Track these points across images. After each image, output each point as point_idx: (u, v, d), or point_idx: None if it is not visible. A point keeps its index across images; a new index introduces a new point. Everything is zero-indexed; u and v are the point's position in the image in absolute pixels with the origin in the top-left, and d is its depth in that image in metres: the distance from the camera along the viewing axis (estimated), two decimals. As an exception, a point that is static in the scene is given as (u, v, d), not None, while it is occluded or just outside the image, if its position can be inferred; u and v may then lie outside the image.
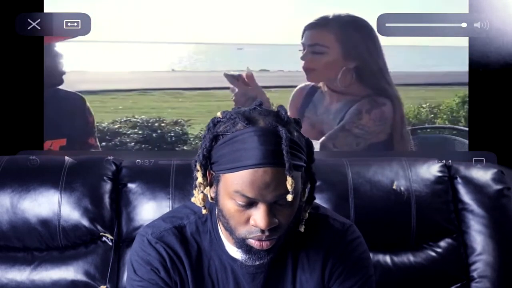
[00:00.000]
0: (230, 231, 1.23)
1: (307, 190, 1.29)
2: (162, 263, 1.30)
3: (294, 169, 1.16)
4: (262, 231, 1.19)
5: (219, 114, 1.24)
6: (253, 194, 1.16)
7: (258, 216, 1.17)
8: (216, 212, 1.29)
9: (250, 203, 1.18)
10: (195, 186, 1.27)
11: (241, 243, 1.23)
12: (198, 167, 1.24)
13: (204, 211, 1.29)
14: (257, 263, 1.26)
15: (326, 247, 1.33)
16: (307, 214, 1.31)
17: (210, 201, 1.27)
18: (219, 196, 1.23)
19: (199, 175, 1.25)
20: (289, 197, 1.16)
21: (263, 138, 1.16)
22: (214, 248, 1.31)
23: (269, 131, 1.17)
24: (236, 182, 1.17)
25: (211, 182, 1.26)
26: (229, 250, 1.31)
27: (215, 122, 1.24)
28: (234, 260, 1.30)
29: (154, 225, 1.35)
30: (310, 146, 1.27)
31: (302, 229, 1.30)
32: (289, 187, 1.15)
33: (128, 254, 1.80)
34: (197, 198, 1.27)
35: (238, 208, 1.19)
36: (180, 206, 1.44)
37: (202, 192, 1.26)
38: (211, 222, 1.32)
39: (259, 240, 1.20)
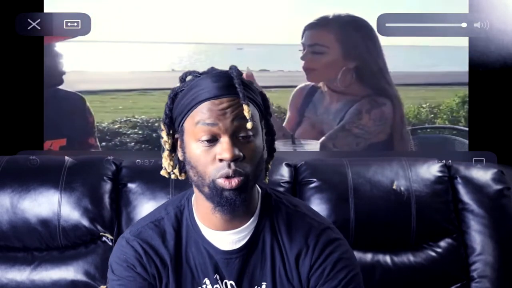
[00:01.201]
0: (201, 179, 1.25)
1: (265, 140, 1.33)
2: (138, 259, 1.32)
3: (249, 100, 1.24)
4: (229, 165, 1.22)
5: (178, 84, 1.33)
6: (212, 120, 1.22)
7: (222, 148, 1.22)
8: (188, 171, 1.30)
9: (213, 138, 1.23)
10: (163, 150, 1.33)
11: (212, 188, 1.25)
12: (162, 126, 1.31)
13: (173, 176, 1.34)
14: (232, 208, 1.26)
15: (303, 243, 1.32)
16: (270, 166, 1.37)
17: (180, 158, 1.31)
18: (185, 148, 1.27)
19: (163, 134, 1.31)
20: (249, 125, 1.22)
21: (216, 78, 1.25)
22: (191, 235, 1.33)
23: (221, 73, 1.28)
24: (196, 116, 1.24)
25: (176, 143, 1.31)
26: (205, 234, 1.32)
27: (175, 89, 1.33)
28: (211, 245, 1.32)
29: (133, 225, 1.39)
30: (265, 98, 1.33)
31: (267, 181, 1.37)
32: (246, 114, 1.22)
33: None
34: (165, 163, 1.33)
35: (203, 148, 1.24)
36: (159, 206, 1.45)
37: (168, 150, 1.31)
38: (188, 210, 1.35)
39: (227, 177, 1.23)
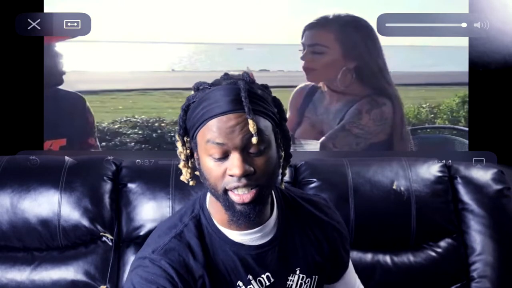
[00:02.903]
0: (214, 191, 1.26)
1: (282, 147, 1.33)
2: (169, 279, 1.26)
3: (256, 113, 1.23)
4: (239, 180, 1.23)
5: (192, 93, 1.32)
6: (221, 139, 1.22)
7: (232, 164, 1.22)
8: (203, 181, 1.29)
9: (224, 155, 1.23)
10: (181, 161, 1.33)
11: (225, 200, 1.25)
12: (177, 137, 1.31)
13: (191, 183, 1.33)
14: (247, 221, 1.27)
15: (321, 220, 1.40)
16: (286, 172, 1.37)
17: (197, 167, 1.31)
18: (200, 160, 1.28)
19: (179, 145, 1.32)
20: (254, 140, 1.21)
21: (224, 92, 1.24)
22: (215, 242, 1.31)
23: (230, 86, 1.26)
24: (206, 133, 1.24)
25: (191, 152, 1.31)
26: (231, 237, 1.31)
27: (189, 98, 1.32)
28: (240, 245, 1.31)
29: (151, 244, 1.32)
30: (278, 103, 1.33)
31: (283, 186, 1.39)
32: (251, 129, 1.21)
33: (127, 254, 1.81)
34: (184, 173, 1.33)
35: (214, 163, 1.24)
36: (165, 219, 1.43)
37: (184, 161, 1.32)
38: (205, 217, 1.33)
39: (239, 193, 1.23)
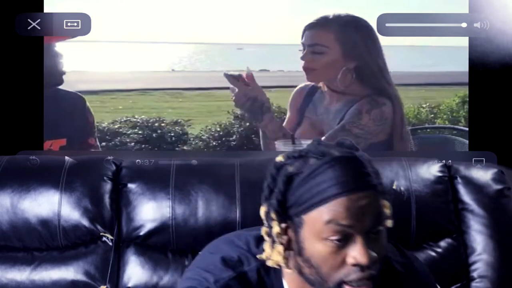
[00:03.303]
0: (321, 281, 1.09)
1: None
2: None
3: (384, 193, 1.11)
4: (362, 269, 1.06)
5: (280, 158, 1.15)
6: (349, 222, 1.06)
7: (357, 251, 1.06)
8: (296, 265, 1.12)
9: (345, 238, 1.07)
10: (271, 241, 1.13)
11: None
12: (273, 215, 1.11)
13: (288, 270, 1.13)
14: None
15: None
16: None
17: (292, 249, 1.12)
18: (303, 243, 1.09)
19: (274, 225, 1.11)
20: (389, 223, 1.11)
21: (346, 165, 1.09)
22: None
23: (349, 158, 1.11)
24: (326, 214, 1.06)
25: (286, 231, 1.13)
26: None
27: (278, 166, 1.14)
28: None
29: (213, 271, 1.18)
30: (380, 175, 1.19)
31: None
32: (387, 210, 1.10)
33: (127, 254, 1.80)
34: (275, 254, 1.13)
35: (331, 249, 1.07)
36: (225, 239, 1.27)
37: (284, 245, 1.12)
38: (275, 276, 1.17)
39: (358, 284, 1.07)
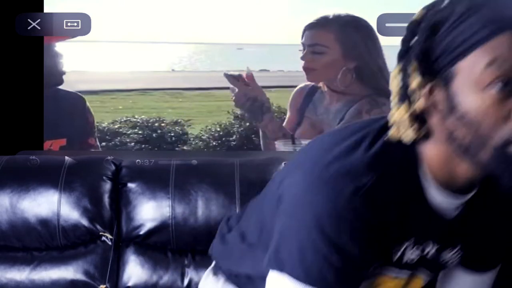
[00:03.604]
0: (478, 144, 0.90)
1: None
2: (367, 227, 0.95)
3: None
4: None
5: (420, 13, 0.98)
6: None
7: None
8: (444, 129, 0.94)
9: (511, 84, 0.87)
10: (400, 100, 0.95)
11: (497, 158, 0.89)
12: (413, 67, 0.94)
13: (429, 145, 0.97)
14: None
15: None
16: None
17: (440, 110, 0.94)
18: (457, 98, 0.90)
19: (415, 76, 0.93)
20: None
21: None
22: (407, 197, 0.98)
23: None
24: (488, 55, 0.87)
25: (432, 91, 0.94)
26: (434, 196, 1.00)
27: (419, 20, 0.98)
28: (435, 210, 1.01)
29: (351, 170, 0.96)
30: None
31: None
32: None
33: (127, 254, 1.80)
34: (401, 116, 0.95)
35: (494, 100, 0.87)
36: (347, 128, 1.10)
37: (419, 98, 0.93)
38: (407, 160, 0.98)
39: None
